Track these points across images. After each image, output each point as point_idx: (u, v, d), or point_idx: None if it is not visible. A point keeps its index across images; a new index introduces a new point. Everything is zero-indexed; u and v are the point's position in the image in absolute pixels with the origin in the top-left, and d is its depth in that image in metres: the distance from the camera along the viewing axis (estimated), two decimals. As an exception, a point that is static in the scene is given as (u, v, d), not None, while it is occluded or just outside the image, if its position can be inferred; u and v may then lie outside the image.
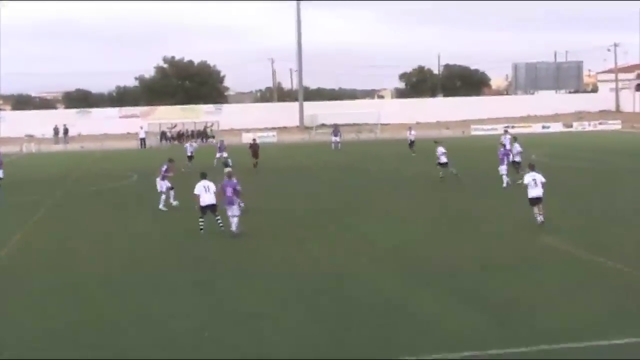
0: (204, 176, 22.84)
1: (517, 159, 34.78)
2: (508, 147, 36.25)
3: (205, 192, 22.32)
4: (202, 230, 22.65)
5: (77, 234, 24.11)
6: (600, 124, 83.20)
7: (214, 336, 13.12)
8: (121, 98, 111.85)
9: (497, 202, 28.41)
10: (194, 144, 47.47)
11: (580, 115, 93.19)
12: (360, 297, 15.34)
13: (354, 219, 25.26)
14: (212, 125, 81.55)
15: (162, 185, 28.34)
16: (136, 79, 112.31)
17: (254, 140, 47.53)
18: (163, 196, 28.20)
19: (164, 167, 28.58)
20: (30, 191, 34.62)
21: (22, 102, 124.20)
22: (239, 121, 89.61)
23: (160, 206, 28.03)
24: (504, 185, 31.74)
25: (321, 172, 41.14)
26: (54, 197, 33.62)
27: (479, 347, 12.07)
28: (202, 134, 78.90)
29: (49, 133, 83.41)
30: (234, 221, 22.08)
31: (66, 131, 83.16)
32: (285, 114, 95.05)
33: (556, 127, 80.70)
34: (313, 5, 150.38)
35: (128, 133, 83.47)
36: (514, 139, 37.40)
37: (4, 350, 12.71)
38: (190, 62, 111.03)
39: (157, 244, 22.01)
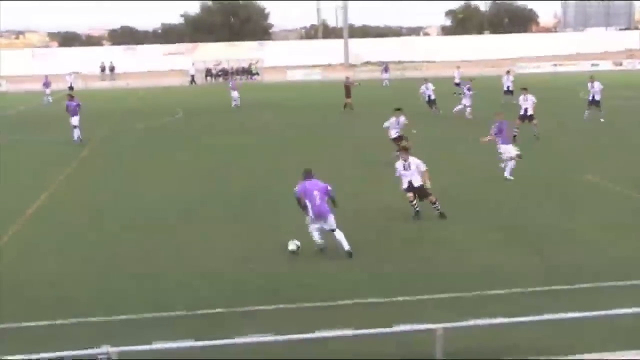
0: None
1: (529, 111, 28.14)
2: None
3: None
4: None
5: (120, 171, 24.51)
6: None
7: (255, 268, 13.37)
8: (166, 35, 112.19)
9: (533, 140, 27.97)
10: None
11: (630, 53, 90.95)
12: (400, 231, 15.45)
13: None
14: (256, 63, 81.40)
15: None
16: (181, 15, 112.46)
17: (347, 78, 44.38)
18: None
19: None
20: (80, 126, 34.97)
21: (69, 39, 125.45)
22: (283, 59, 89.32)
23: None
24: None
25: (371, 109, 40.74)
26: (101, 133, 34.15)
27: (520, 284, 12.09)
28: (247, 71, 78.93)
29: (96, 70, 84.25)
30: None
31: (112, 68, 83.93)
32: (330, 51, 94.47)
33: (605, 65, 78.81)
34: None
35: (172, 70, 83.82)
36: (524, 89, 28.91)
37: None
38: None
39: (198, 179, 22.35)
